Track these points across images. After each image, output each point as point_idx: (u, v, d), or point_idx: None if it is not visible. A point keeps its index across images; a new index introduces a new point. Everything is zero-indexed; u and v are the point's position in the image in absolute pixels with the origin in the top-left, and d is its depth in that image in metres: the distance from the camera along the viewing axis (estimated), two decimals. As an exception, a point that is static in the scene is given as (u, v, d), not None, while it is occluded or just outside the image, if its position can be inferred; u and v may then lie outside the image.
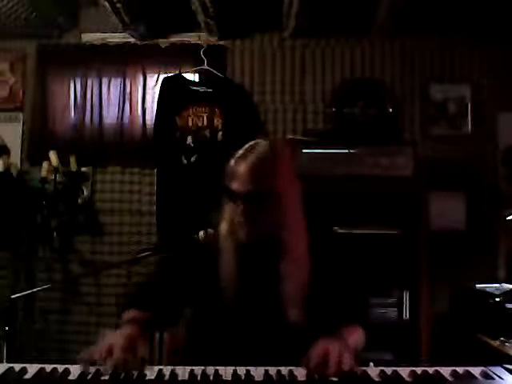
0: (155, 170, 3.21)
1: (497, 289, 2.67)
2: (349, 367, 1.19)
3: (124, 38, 3.27)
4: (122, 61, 3.29)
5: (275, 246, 1.43)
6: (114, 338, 1.25)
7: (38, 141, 3.28)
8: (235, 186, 1.41)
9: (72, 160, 3.13)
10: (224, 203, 1.49)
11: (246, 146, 1.47)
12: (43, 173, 3.06)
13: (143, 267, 3.03)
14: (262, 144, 1.47)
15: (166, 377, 1.17)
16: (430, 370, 1.22)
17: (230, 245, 1.46)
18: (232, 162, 1.44)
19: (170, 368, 1.21)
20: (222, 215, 1.49)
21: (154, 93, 3.24)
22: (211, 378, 1.17)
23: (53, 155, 3.07)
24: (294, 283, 1.41)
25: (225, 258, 1.45)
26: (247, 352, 1.30)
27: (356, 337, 1.40)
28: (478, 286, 2.77)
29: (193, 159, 3.13)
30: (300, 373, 1.20)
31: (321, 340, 1.27)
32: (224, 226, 1.47)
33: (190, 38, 3.29)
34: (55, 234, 3.15)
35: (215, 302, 1.44)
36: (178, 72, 3.21)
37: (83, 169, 3.22)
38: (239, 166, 1.41)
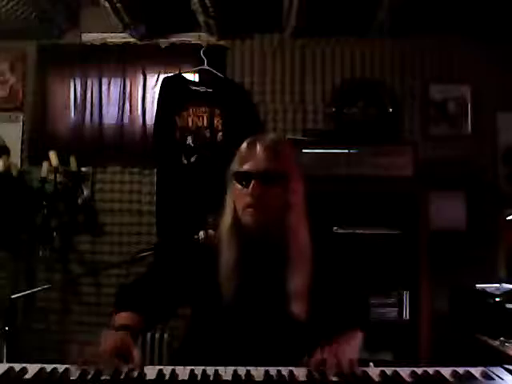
0: (155, 170, 3.21)
1: (497, 289, 2.67)
2: (349, 370, 1.20)
3: (124, 38, 3.27)
4: (122, 61, 3.29)
5: (278, 241, 1.43)
6: (106, 344, 1.25)
7: (37, 141, 3.28)
8: (249, 166, 1.42)
9: (72, 160, 3.13)
10: (228, 193, 1.48)
11: (249, 139, 1.49)
12: (43, 173, 3.06)
13: (143, 267, 3.06)
14: (268, 135, 1.54)
15: (166, 377, 1.17)
16: (431, 370, 1.23)
17: (232, 239, 1.44)
18: (242, 148, 1.46)
19: (169, 368, 1.21)
20: (224, 207, 1.48)
21: (154, 93, 3.24)
22: (211, 377, 1.17)
23: (53, 155, 3.07)
24: (296, 279, 1.40)
25: (226, 255, 1.44)
26: (249, 351, 1.31)
27: (355, 341, 1.40)
28: (478, 285, 2.77)
29: (193, 159, 3.13)
30: (300, 373, 1.21)
31: (321, 345, 1.28)
32: (227, 218, 1.46)
33: (190, 38, 3.29)
34: (55, 233, 3.15)
35: (216, 302, 1.44)
36: (177, 72, 3.21)
37: (83, 169, 3.22)
38: (253, 148, 1.43)
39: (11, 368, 1.19)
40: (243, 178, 1.42)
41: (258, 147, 1.43)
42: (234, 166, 1.46)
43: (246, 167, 1.42)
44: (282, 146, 1.48)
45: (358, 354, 1.35)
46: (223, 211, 1.49)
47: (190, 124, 3.15)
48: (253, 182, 1.40)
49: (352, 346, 1.36)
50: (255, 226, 1.41)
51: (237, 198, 1.44)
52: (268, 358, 1.27)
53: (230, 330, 1.43)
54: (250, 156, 1.43)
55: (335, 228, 2.64)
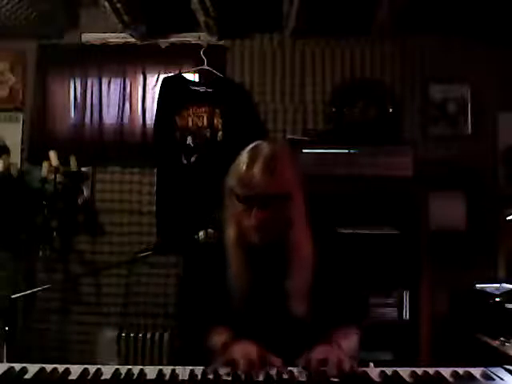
0: (155, 170, 3.21)
1: (497, 289, 2.67)
2: (349, 369, 1.20)
3: (124, 38, 3.27)
4: (122, 61, 3.29)
5: (281, 245, 1.43)
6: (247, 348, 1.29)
7: (37, 141, 3.28)
8: (249, 191, 1.37)
9: (72, 160, 3.13)
10: (228, 207, 1.46)
11: (249, 148, 1.44)
12: (43, 173, 3.06)
13: (143, 267, 3.07)
14: (266, 146, 1.43)
15: (166, 377, 1.17)
16: (431, 370, 1.23)
17: (238, 248, 1.44)
18: (240, 166, 1.40)
19: (169, 368, 1.21)
20: (227, 219, 1.47)
21: (154, 93, 3.24)
22: (211, 377, 1.17)
23: (53, 155, 3.06)
24: (298, 281, 1.41)
25: (231, 260, 1.44)
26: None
27: (350, 341, 1.40)
28: (478, 285, 2.77)
29: (193, 159, 3.13)
30: (300, 373, 1.21)
31: (318, 346, 1.29)
32: (231, 232, 1.45)
33: (190, 38, 3.29)
34: (55, 233, 3.15)
35: (216, 301, 1.44)
36: (178, 72, 3.21)
37: (83, 169, 3.22)
38: (250, 171, 1.37)
39: (11, 368, 1.19)
40: (244, 200, 1.39)
41: (257, 168, 1.36)
42: (233, 182, 1.41)
43: (246, 192, 1.38)
44: (282, 162, 1.40)
45: (357, 353, 1.35)
46: (227, 220, 1.47)
47: (190, 124, 3.16)
48: (255, 207, 1.37)
49: (351, 345, 1.36)
50: (262, 243, 1.41)
51: (240, 216, 1.42)
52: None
53: (231, 329, 1.43)
54: (249, 179, 1.36)
55: (335, 228, 2.64)
